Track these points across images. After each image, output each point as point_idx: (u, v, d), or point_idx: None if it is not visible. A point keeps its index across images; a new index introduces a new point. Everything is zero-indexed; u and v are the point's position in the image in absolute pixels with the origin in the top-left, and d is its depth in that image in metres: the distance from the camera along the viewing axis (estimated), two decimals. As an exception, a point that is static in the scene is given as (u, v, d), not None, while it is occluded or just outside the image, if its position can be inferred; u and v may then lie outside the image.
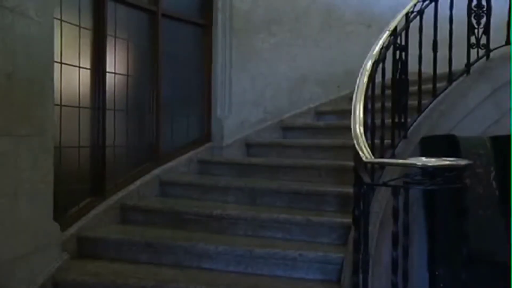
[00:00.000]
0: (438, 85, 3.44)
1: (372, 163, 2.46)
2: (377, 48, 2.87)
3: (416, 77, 3.31)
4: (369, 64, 2.75)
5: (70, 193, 3.17)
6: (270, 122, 4.72)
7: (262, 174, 3.93)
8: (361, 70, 2.73)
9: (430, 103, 3.40)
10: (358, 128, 2.38)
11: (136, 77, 3.82)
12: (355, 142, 2.32)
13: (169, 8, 4.05)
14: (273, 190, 3.54)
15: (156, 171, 3.89)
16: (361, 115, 2.46)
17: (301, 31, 4.89)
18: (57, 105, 3.00)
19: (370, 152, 2.24)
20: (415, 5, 3.22)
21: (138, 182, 3.70)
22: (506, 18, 3.65)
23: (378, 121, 2.99)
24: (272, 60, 4.71)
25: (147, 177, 3.80)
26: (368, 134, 2.69)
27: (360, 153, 2.22)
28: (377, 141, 2.94)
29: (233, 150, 4.43)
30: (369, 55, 2.82)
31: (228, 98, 4.47)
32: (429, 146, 3.19)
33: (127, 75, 3.71)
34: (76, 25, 3.23)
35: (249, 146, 4.50)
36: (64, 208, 3.07)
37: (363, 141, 2.29)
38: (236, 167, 4.09)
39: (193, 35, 4.39)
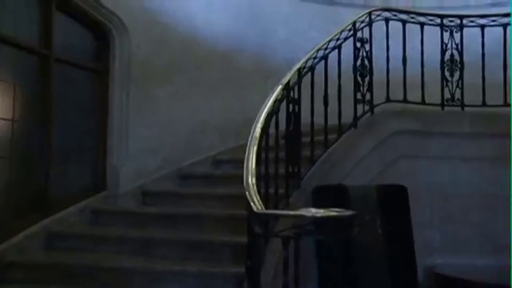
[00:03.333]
0: (329, 136, 3.62)
1: (263, 214, 2.49)
2: (270, 101, 2.97)
3: (309, 128, 3.47)
4: (262, 116, 2.83)
5: None
6: (168, 170, 4.60)
7: (158, 224, 3.80)
8: (255, 122, 2.81)
9: (322, 154, 3.56)
10: (251, 179, 2.42)
11: (24, 122, 3.60)
12: (247, 193, 2.34)
13: (63, 52, 3.91)
14: (169, 241, 3.45)
15: (45, 222, 3.64)
16: (254, 167, 2.51)
17: (201, 80, 4.92)
18: None
19: (261, 204, 2.27)
20: (306, 61, 3.41)
21: (21, 234, 3.43)
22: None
23: (273, 171, 3.07)
24: (171, 108, 4.67)
25: (33, 228, 3.54)
26: (263, 184, 2.74)
27: (252, 204, 2.25)
28: (272, 190, 3.01)
29: (128, 199, 4.27)
30: (263, 107, 2.91)
31: (125, 146, 4.34)
32: (321, 195, 3.32)
33: (13, 120, 3.49)
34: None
35: (145, 195, 4.36)
36: None
37: (254, 193, 2.33)
38: (131, 217, 3.95)
39: (89, 81, 4.28)
